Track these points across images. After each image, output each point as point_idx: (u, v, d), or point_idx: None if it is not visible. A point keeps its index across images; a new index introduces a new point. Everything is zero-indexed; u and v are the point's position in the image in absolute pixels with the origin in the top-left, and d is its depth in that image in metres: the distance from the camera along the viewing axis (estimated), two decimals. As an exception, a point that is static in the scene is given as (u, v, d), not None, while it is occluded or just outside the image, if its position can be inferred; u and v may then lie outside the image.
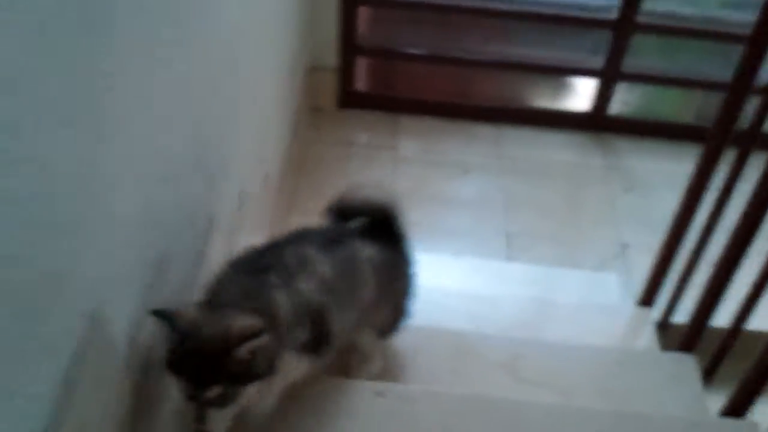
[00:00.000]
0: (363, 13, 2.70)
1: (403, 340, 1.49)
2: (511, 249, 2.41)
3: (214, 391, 0.99)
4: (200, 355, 0.98)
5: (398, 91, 3.04)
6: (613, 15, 2.55)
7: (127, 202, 0.95)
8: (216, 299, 1.09)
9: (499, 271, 2.29)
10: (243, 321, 1.02)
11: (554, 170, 2.73)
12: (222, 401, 1.01)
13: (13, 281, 0.68)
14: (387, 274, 1.35)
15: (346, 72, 2.80)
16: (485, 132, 2.86)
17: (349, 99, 2.87)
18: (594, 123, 2.82)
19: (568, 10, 2.68)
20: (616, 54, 2.63)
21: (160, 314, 1.00)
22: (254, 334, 0.99)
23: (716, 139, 1.64)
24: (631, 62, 2.67)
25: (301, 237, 1.24)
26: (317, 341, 1.16)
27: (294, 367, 1.14)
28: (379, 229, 1.36)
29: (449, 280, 2.24)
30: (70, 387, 0.81)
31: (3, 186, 0.64)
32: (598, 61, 2.68)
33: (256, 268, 1.14)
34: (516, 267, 2.33)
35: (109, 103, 0.86)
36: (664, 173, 2.66)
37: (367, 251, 1.29)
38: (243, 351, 0.98)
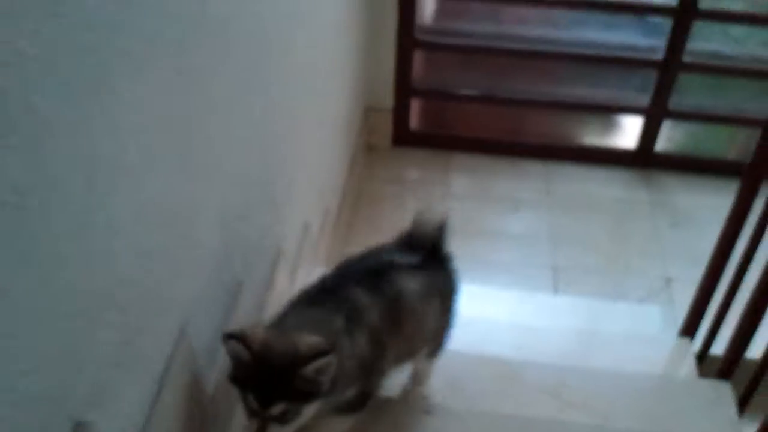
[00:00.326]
0: (418, 56, 2.84)
1: (452, 365, 1.59)
2: (558, 282, 2.50)
3: (278, 408, 1.03)
4: (269, 372, 1.03)
5: (450, 129, 3.16)
6: (659, 55, 2.65)
7: (209, 232, 1.09)
8: (283, 322, 1.15)
9: (545, 304, 2.39)
10: (310, 340, 1.07)
11: (601, 206, 2.82)
12: (284, 418, 1.05)
13: (127, 299, 0.83)
14: (433, 300, 1.39)
15: (400, 112, 2.94)
16: (534, 169, 2.97)
17: (403, 138, 3.01)
18: (641, 160, 2.91)
19: (615, 51, 2.78)
20: (662, 92, 2.72)
21: (233, 336, 1.04)
22: (321, 353, 1.04)
23: (752, 174, 1.72)
24: (676, 100, 2.75)
25: (349, 272, 1.29)
26: (361, 397, 1.22)
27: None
28: (427, 252, 1.40)
29: (497, 311, 2.33)
30: (158, 395, 0.95)
31: (127, 219, 0.79)
32: (644, 100, 2.78)
33: (320, 305, 1.20)
34: (562, 299, 2.42)
35: (200, 147, 1.01)
36: (710, 209, 2.71)
37: (412, 284, 1.32)
38: (310, 369, 1.03)
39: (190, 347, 1.05)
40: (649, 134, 2.85)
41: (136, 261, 0.84)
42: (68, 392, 0.73)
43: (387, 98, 2.90)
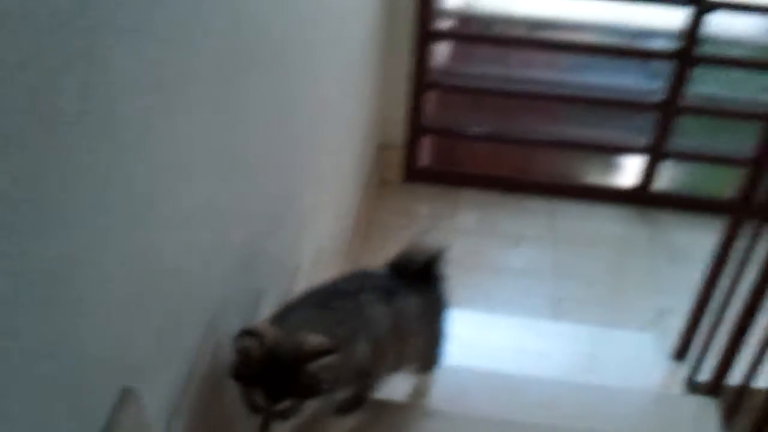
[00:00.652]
0: (430, 96, 3.00)
1: (453, 378, 1.71)
2: (558, 312, 2.61)
3: (284, 404, 1.08)
4: (277, 368, 1.07)
5: (459, 166, 3.30)
6: (659, 97, 2.80)
7: (240, 239, 1.23)
8: (286, 321, 1.20)
9: (546, 329, 2.50)
10: (316, 339, 1.11)
11: (602, 241, 2.94)
12: (287, 413, 1.09)
13: (170, 288, 0.96)
14: (429, 316, 1.50)
15: (411, 149, 3.09)
16: (539, 205, 3.10)
17: (414, 173, 3.16)
18: (640, 198, 3.04)
19: (617, 93, 2.93)
20: (661, 134, 2.87)
21: (249, 332, 1.09)
22: (327, 352, 1.09)
23: (737, 210, 1.85)
24: (676, 141, 2.89)
25: (365, 282, 1.38)
26: (355, 399, 1.28)
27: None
28: (421, 273, 1.49)
29: (499, 336, 2.45)
30: (190, 378, 1.07)
31: (175, 218, 0.93)
32: (645, 140, 2.92)
33: (327, 306, 1.27)
34: (561, 326, 2.53)
35: (239, 166, 1.15)
36: (706, 245, 2.81)
37: (414, 300, 1.41)
38: (315, 366, 1.08)
39: (219, 341, 1.17)
40: (648, 173, 2.98)
41: (178, 256, 0.98)
42: (121, 361, 0.86)
43: (399, 136, 3.06)
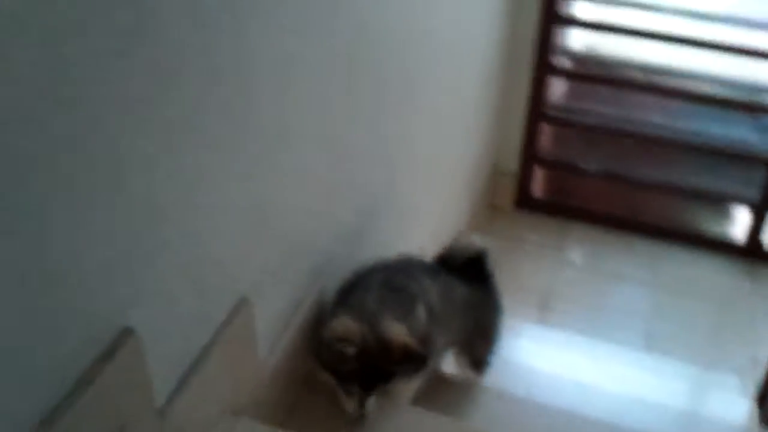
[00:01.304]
0: (545, 128, 3.15)
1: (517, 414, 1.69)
2: (649, 349, 2.68)
3: (378, 390, 1.20)
4: (369, 365, 1.18)
5: (569, 199, 3.41)
6: (769, 152, 2.84)
7: (344, 214, 1.45)
8: (358, 306, 1.26)
9: (634, 360, 2.58)
10: (401, 337, 1.20)
11: (702, 289, 2.97)
12: (379, 393, 1.22)
13: (287, 237, 1.19)
14: (479, 310, 1.60)
15: (524, 178, 3.24)
16: (644, 247, 3.16)
17: (525, 202, 3.30)
18: (748, 252, 3.05)
19: (729, 144, 2.98)
20: (770, 189, 2.90)
21: (340, 340, 1.18)
22: (418, 357, 1.21)
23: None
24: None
25: (413, 267, 1.47)
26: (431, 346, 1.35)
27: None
28: (472, 272, 1.59)
29: (586, 363, 2.55)
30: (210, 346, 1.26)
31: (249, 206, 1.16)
32: (755, 194, 2.95)
33: (391, 286, 1.35)
34: (649, 358, 2.61)
35: (344, 166, 1.38)
36: (808, 304, 2.84)
37: (460, 288, 1.51)
38: (404, 367, 1.20)
39: (323, 288, 1.37)
40: (757, 228, 3.00)
41: (292, 211, 1.21)
42: (243, 274, 1.09)
43: (513, 163, 3.21)
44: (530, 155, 3.18)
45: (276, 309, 1.24)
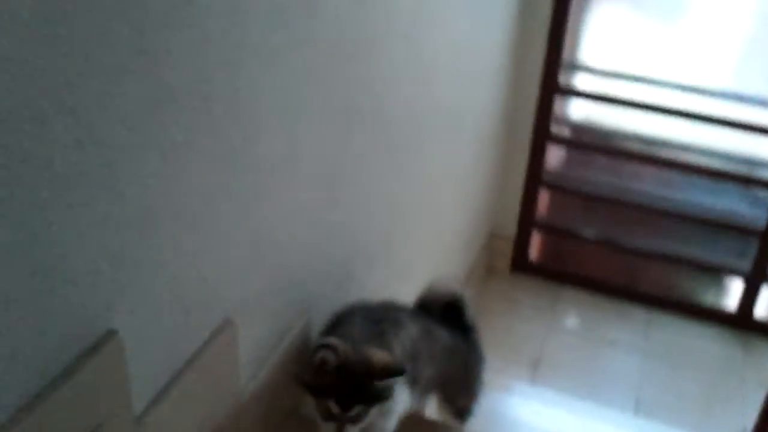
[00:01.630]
0: (542, 194, 3.22)
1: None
2: (638, 414, 2.68)
3: (356, 410, 1.19)
4: (348, 381, 1.19)
5: (564, 264, 3.45)
6: (762, 224, 2.88)
7: (337, 253, 1.50)
8: (343, 334, 1.31)
9: (621, 422, 2.58)
10: (383, 356, 1.23)
11: (694, 358, 2.99)
12: (358, 418, 1.21)
13: (279, 265, 1.24)
14: (460, 357, 1.60)
15: (521, 242, 3.29)
16: (637, 313, 3.19)
17: (522, 266, 3.35)
18: (740, 322, 3.08)
19: (722, 215, 3.02)
20: (762, 260, 2.93)
21: (327, 345, 1.20)
22: (397, 371, 1.22)
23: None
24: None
25: (395, 307, 1.50)
26: (413, 380, 1.39)
27: (402, 398, 1.35)
28: (452, 318, 1.61)
29: (573, 422, 2.56)
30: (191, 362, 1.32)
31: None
32: (747, 265, 2.98)
33: (373, 319, 1.39)
34: (636, 422, 2.60)
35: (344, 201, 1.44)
36: (799, 376, 2.85)
37: (441, 332, 1.52)
38: (385, 382, 1.20)
39: (308, 322, 1.42)
40: (748, 298, 3.03)
41: (282, 243, 1.26)
42: (229, 295, 1.14)
43: (510, 227, 3.27)
44: (528, 220, 3.24)
45: (260, 336, 1.28)
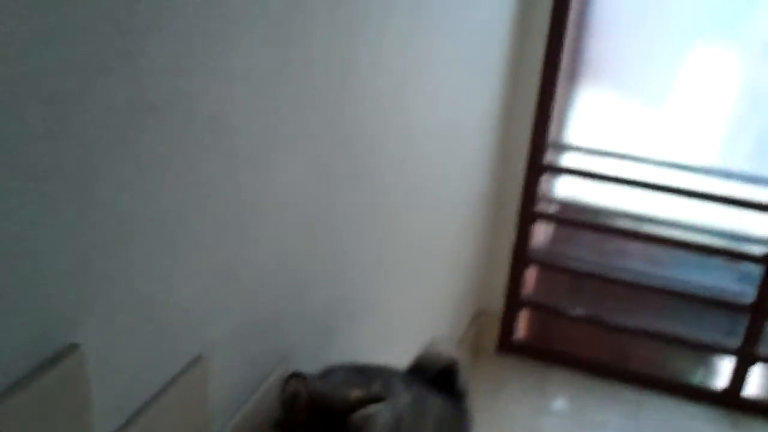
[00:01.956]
0: (529, 272, 3.19)
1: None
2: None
3: None
4: (322, 419, 1.13)
5: (553, 343, 3.39)
6: (749, 300, 2.85)
7: (316, 301, 1.45)
8: (326, 378, 1.29)
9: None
10: (359, 391, 1.18)
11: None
12: None
13: (253, 308, 1.20)
14: (449, 424, 1.53)
15: (508, 320, 3.24)
16: (627, 394, 3.12)
17: (508, 346, 3.28)
18: (729, 401, 3.00)
19: (709, 292, 2.99)
20: (751, 337, 2.89)
21: (296, 375, 1.15)
22: (374, 400, 1.16)
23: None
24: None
25: (388, 370, 1.45)
26: None
27: None
28: (446, 384, 1.55)
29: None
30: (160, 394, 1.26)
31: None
32: (735, 343, 2.94)
33: (363, 374, 1.36)
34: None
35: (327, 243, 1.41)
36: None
37: (433, 399, 1.47)
38: (359, 416, 1.13)
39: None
40: (738, 376, 2.97)
41: (256, 283, 1.22)
42: (201, 333, 1.09)
43: (497, 305, 3.23)
44: (515, 299, 3.20)
45: (234, 381, 1.22)
